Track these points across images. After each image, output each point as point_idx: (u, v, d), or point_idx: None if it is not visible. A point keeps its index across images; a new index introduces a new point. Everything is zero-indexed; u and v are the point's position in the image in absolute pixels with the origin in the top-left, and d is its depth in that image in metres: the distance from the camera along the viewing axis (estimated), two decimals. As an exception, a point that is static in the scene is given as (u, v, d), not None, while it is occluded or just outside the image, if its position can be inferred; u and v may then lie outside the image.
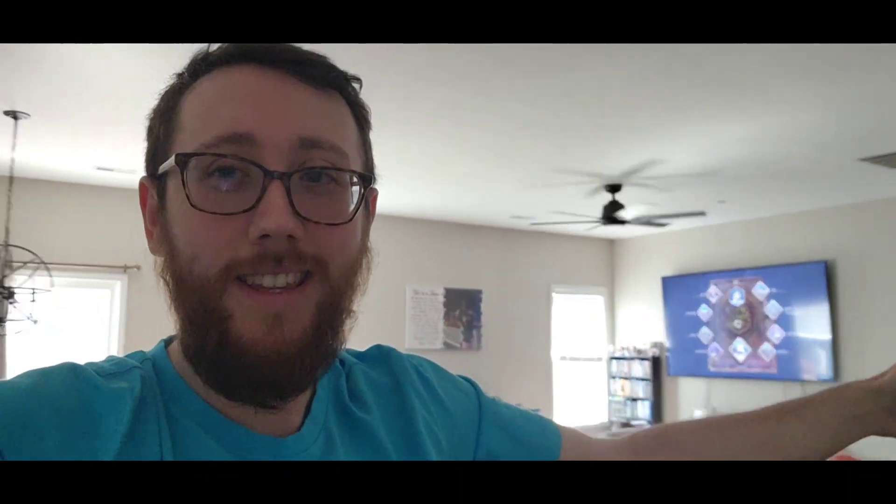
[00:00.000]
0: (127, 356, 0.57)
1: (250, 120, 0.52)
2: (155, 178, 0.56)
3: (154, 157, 0.56)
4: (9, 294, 3.92)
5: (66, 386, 0.50)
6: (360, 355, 0.70)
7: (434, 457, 0.63)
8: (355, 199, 0.55)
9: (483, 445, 0.69)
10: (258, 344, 0.51)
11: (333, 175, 0.54)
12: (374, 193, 0.63)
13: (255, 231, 0.50)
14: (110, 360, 0.56)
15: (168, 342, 0.60)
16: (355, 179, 0.55)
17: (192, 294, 0.52)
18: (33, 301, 4.07)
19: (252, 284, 0.51)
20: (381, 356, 0.70)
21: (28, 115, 3.76)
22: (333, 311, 0.54)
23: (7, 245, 4.05)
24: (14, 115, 3.73)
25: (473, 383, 0.75)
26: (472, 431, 0.70)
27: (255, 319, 0.51)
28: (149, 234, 0.58)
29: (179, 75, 0.57)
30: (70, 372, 0.52)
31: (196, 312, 0.52)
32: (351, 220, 0.55)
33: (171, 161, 0.53)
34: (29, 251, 4.16)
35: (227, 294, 0.51)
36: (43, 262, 4.30)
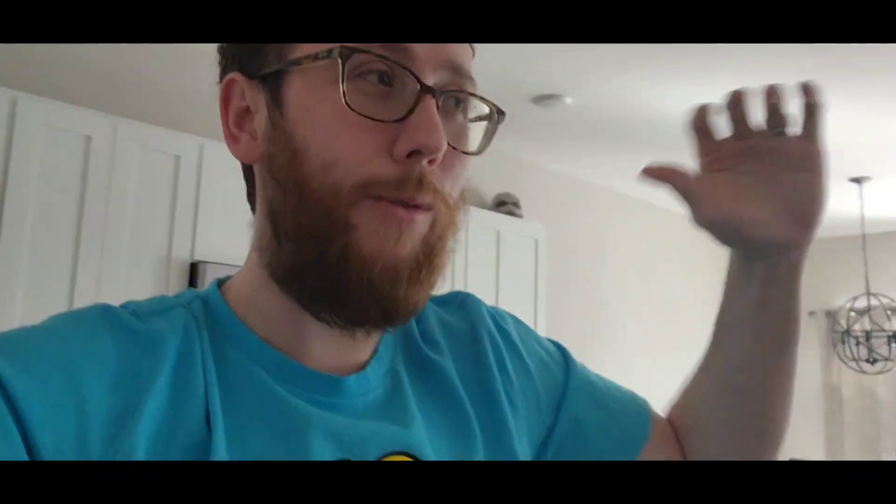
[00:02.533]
0: (175, 295, 0.55)
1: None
2: (257, 77, 0.52)
3: (256, 50, 0.52)
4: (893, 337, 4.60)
5: (99, 333, 0.47)
6: (435, 299, 0.66)
7: (507, 409, 0.60)
8: (480, 133, 0.54)
9: (568, 408, 0.65)
10: (380, 254, 0.48)
11: (465, 104, 0.53)
12: None
13: (407, 145, 0.48)
14: (153, 299, 0.54)
15: (221, 282, 0.57)
16: (489, 113, 0.54)
17: (317, 203, 0.48)
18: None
19: (386, 198, 0.48)
20: (457, 300, 0.67)
21: (869, 178, 4.34)
22: (444, 244, 0.52)
23: (869, 294, 4.72)
24: (858, 180, 4.35)
25: (561, 346, 0.71)
26: (556, 392, 0.65)
27: (381, 231, 0.49)
28: (232, 138, 0.54)
29: None
30: (102, 313, 0.49)
31: (318, 222, 0.48)
32: (481, 152, 0.54)
33: (318, 51, 0.49)
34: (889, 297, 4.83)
35: (356, 206, 0.48)
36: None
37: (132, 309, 0.51)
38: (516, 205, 3.88)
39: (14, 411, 0.41)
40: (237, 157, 0.54)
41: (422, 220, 0.50)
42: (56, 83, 2.35)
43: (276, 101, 0.51)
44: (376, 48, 0.48)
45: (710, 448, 0.67)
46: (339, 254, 0.48)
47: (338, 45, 0.48)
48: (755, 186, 0.57)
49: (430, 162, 0.49)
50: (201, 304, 0.54)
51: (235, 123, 0.54)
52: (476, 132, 0.55)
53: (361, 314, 0.50)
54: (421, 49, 0.49)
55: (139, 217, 2.21)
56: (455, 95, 0.52)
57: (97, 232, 2.11)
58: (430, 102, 0.49)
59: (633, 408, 0.68)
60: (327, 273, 0.49)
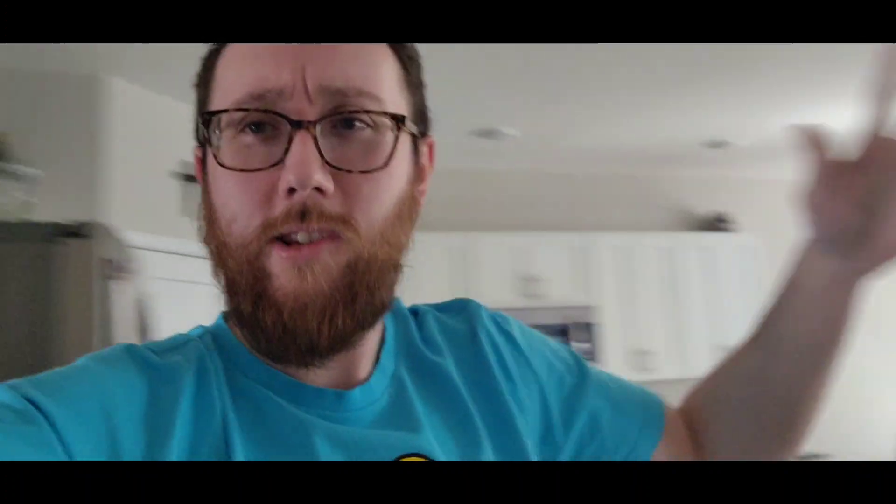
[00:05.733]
0: (187, 332, 0.58)
1: (276, 72, 0.50)
2: (201, 147, 0.55)
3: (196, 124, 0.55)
4: None
5: (125, 368, 0.50)
6: (437, 306, 0.68)
7: (513, 409, 0.61)
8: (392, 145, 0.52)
9: (584, 409, 0.66)
10: (288, 296, 0.49)
11: (368, 121, 0.51)
12: (429, 141, 0.60)
13: (283, 185, 0.49)
14: (170, 337, 0.57)
15: (226, 315, 0.58)
16: (389, 122, 0.52)
17: (232, 257, 0.51)
18: None
19: (287, 241, 0.50)
20: (457, 306, 0.68)
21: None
22: (368, 269, 0.51)
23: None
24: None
25: (574, 352, 0.71)
26: (568, 393, 0.66)
27: (287, 273, 0.49)
28: None
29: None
30: (126, 353, 0.52)
31: (238, 275, 0.51)
32: (386, 166, 0.51)
33: (199, 122, 0.52)
34: None
35: (264, 254, 0.50)
36: None
37: (150, 347, 0.54)
38: (726, 220, 4.03)
39: (60, 440, 0.44)
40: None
41: (326, 252, 0.50)
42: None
43: (204, 169, 0.55)
44: (250, 103, 0.50)
45: (731, 442, 0.67)
46: (253, 303, 0.50)
47: (208, 113, 0.51)
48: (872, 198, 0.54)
49: (320, 192, 0.49)
50: (211, 337, 0.57)
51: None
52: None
53: (284, 353, 0.51)
54: (291, 87, 0.49)
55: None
56: (343, 118, 0.51)
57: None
58: (302, 137, 0.49)
59: (648, 404, 0.69)
60: (250, 322, 0.51)
